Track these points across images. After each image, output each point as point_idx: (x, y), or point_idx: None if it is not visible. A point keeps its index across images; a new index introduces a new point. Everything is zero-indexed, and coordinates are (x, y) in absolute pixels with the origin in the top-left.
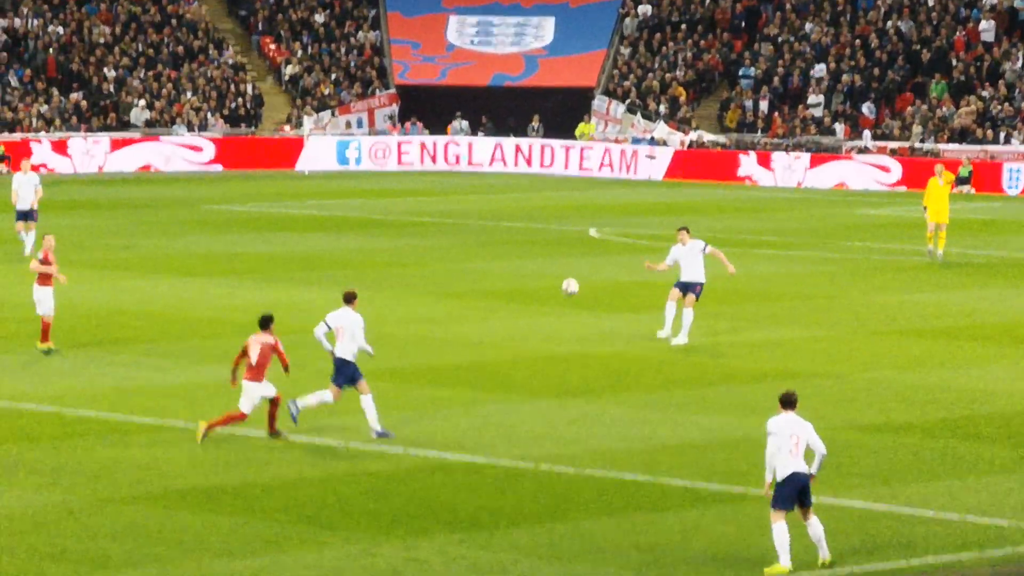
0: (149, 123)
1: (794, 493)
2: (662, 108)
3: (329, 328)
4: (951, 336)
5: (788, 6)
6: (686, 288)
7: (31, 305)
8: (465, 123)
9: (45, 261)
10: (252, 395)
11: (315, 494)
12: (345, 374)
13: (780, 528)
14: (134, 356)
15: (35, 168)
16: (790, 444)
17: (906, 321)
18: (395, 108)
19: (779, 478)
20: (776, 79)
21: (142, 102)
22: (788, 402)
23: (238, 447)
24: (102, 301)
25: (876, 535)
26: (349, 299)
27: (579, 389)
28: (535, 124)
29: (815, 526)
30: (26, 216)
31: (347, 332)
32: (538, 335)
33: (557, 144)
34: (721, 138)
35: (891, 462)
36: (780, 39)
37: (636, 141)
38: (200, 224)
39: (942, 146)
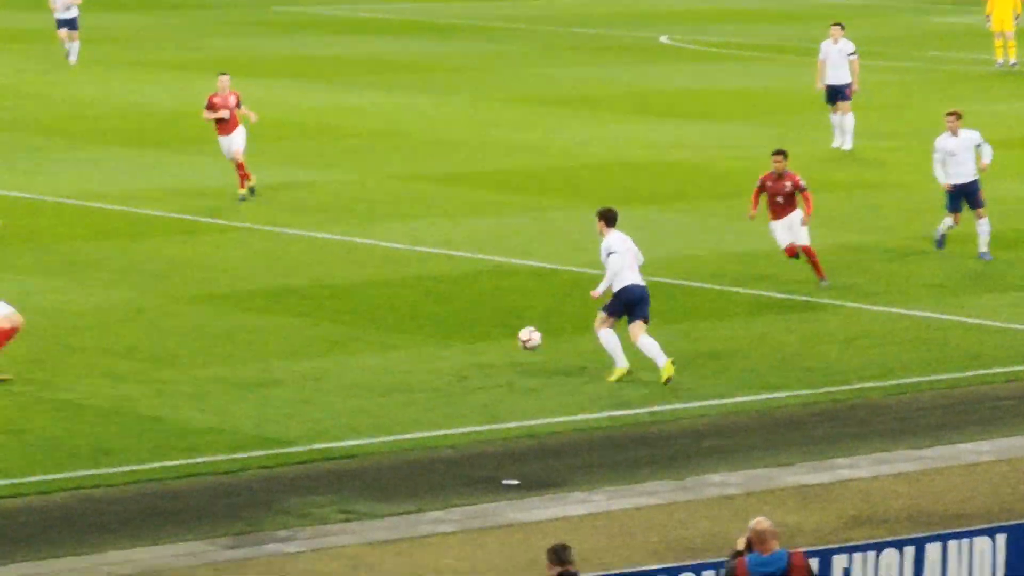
0: None
1: (628, 304)
2: None
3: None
4: None
5: None
6: (835, 94)
7: (92, 103)
8: None
9: (212, 107)
10: None
11: (382, 297)
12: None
13: (607, 334)
14: (203, 157)
15: None
16: (629, 259)
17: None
18: None
19: (615, 289)
20: None
21: None
22: (611, 219)
23: (305, 249)
24: (170, 101)
25: (943, 345)
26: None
27: (646, 197)
28: None
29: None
30: (68, 24)
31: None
32: (606, 142)
33: None
34: None
35: (959, 273)
36: None
37: None
38: (269, 25)
39: None
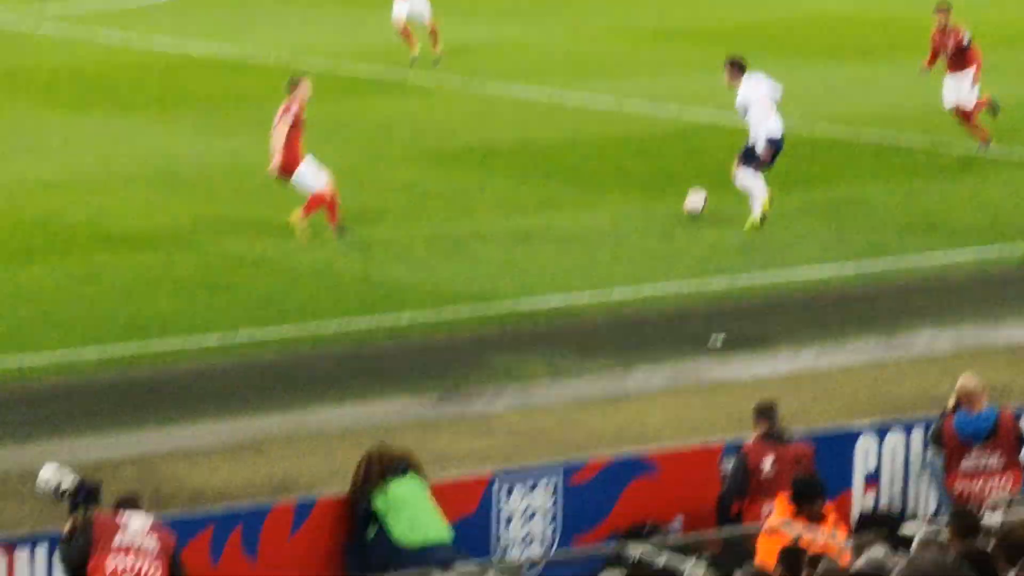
0: None
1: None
2: None
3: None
4: None
5: None
6: None
7: None
8: None
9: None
10: None
11: (589, 155)
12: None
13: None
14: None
15: None
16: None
17: None
18: None
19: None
20: None
21: None
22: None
23: (512, 108)
24: None
25: None
26: None
27: (855, 51)
28: None
29: None
30: None
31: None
32: None
33: None
34: None
35: None
36: None
37: None
38: None
39: None
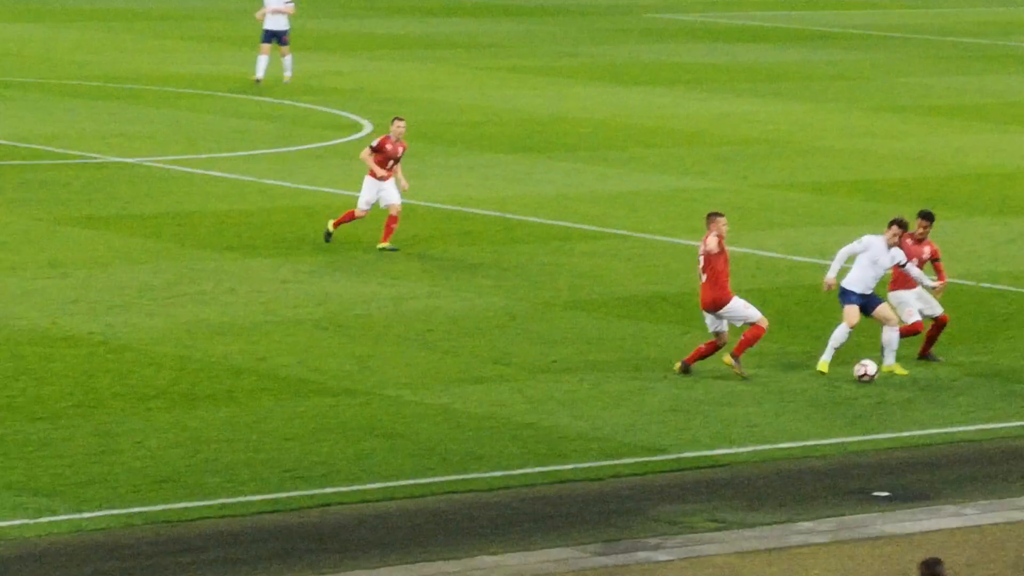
0: None
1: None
2: None
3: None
4: None
5: None
6: None
7: (468, 109)
8: None
9: (382, 151)
10: None
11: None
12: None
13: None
14: (576, 163)
15: None
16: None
17: None
18: None
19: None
20: None
21: None
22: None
23: (677, 256)
24: (545, 107)
25: None
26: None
27: (1020, 208)
28: None
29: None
30: (277, 37)
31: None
32: (981, 151)
33: None
34: None
35: None
36: None
37: None
38: (642, 32)
39: None
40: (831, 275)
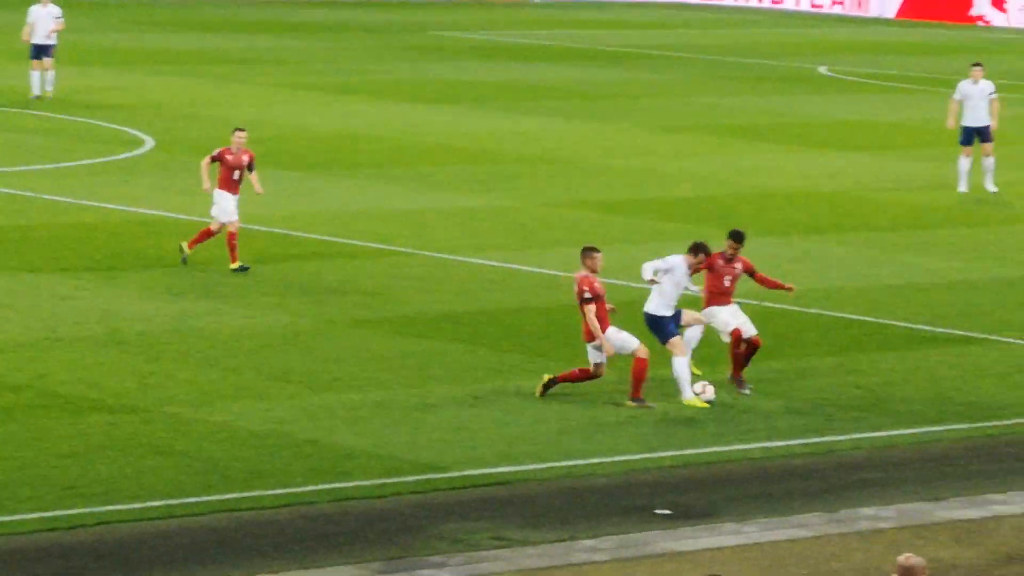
0: None
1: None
2: None
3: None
4: None
5: None
6: (974, 135)
7: (252, 126)
8: None
9: (223, 162)
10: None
11: (539, 323)
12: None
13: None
14: (361, 181)
15: None
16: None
17: None
18: None
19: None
20: None
21: None
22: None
23: (463, 274)
24: (330, 124)
25: None
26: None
27: (803, 227)
28: None
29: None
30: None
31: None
32: (764, 172)
33: None
34: None
35: None
36: None
37: None
38: (427, 50)
39: None
40: (650, 276)
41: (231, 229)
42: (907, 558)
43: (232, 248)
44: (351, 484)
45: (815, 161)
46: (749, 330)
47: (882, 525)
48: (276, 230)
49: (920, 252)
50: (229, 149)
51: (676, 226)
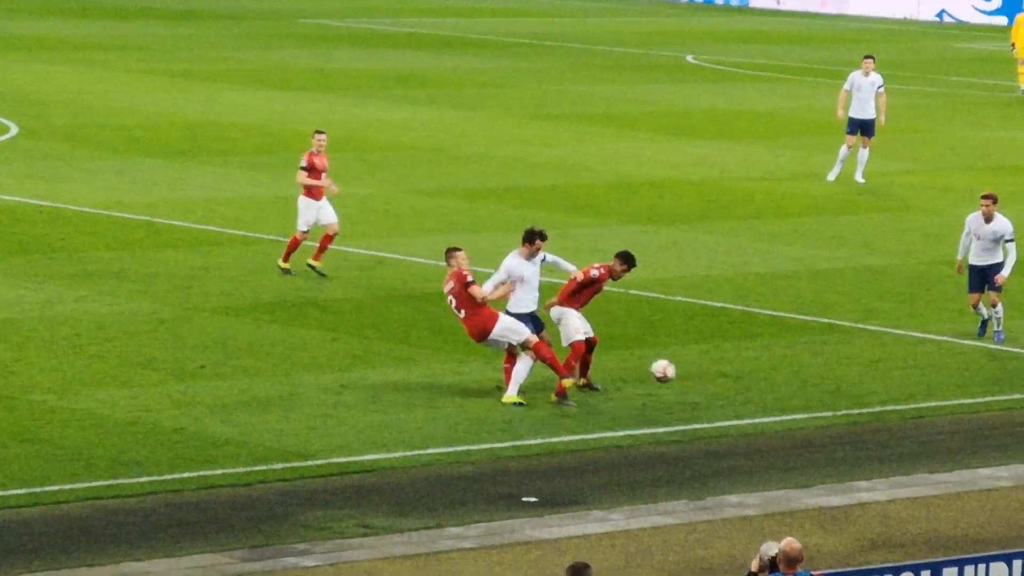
0: None
1: None
2: None
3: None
4: None
5: None
6: (860, 126)
7: (118, 112)
8: None
9: (312, 168)
10: None
11: (405, 311)
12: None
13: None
14: (227, 168)
15: None
16: None
17: (1001, 157)
18: None
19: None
20: None
21: None
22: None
23: (329, 264)
24: (196, 112)
25: (963, 369)
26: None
27: (671, 216)
28: None
29: None
30: None
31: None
32: (631, 160)
33: None
34: None
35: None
36: None
37: None
38: (297, 38)
39: None
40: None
41: (330, 232)
42: (790, 544)
43: (323, 249)
44: (217, 472)
45: (683, 150)
46: (589, 331)
47: (748, 512)
48: (141, 217)
49: (786, 241)
50: (314, 153)
51: (541, 214)
